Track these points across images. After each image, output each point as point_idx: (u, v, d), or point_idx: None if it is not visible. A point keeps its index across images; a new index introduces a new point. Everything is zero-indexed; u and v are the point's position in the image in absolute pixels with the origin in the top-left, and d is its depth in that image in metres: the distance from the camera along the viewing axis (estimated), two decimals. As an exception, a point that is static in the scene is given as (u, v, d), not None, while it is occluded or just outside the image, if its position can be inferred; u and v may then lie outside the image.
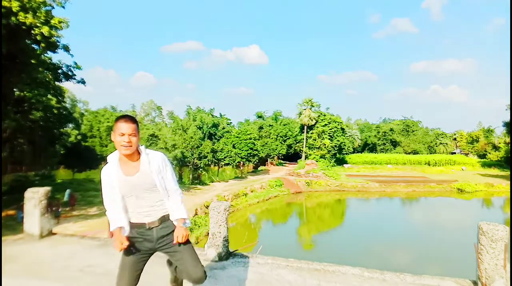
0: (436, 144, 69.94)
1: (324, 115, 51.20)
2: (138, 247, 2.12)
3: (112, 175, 2.07)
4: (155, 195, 2.14)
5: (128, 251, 2.11)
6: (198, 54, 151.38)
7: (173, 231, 2.17)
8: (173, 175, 2.23)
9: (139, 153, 2.12)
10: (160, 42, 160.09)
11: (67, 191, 19.08)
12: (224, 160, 36.09)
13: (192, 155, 30.71)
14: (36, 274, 3.53)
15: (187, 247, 2.18)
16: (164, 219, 2.17)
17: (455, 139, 74.32)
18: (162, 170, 2.15)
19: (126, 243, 2.03)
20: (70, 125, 39.51)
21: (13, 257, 4.02)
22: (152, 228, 2.12)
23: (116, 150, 2.11)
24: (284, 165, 55.89)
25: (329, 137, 49.44)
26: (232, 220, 21.29)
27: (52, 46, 15.41)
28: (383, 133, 71.55)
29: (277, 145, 52.99)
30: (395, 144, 69.96)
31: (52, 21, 13.84)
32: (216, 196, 23.56)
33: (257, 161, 39.82)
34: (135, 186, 2.07)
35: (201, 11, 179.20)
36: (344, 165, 52.42)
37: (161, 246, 2.15)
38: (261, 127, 57.81)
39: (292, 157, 59.00)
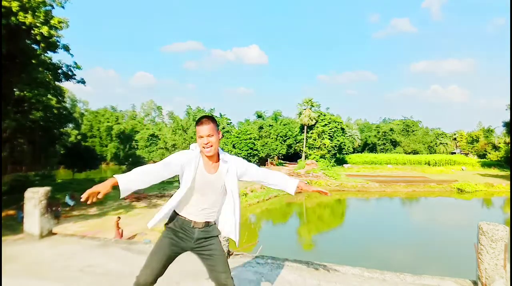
0: (436, 143, 69.99)
1: (324, 115, 51.22)
2: (176, 240, 2.14)
3: (191, 162, 2.06)
4: (219, 199, 2.19)
5: (165, 241, 2.12)
6: (198, 54, 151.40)
7: (213, 236, 2.20)
8: (253, 165, 2.31)
9: (218, 155, 2.17)
10: (160, 42, 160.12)
11: (67, 196, 19.09)
12: (224, 160, 36.07)
13: (192, 155, 30.62)
14: (36, 274, 3.53)
15: (222, 255, 2.21)
16: (209, 224, 2.21)
17: (455, 139, 74.37)
18: (242, 171, 2.23)
19: (101, 196, 1.77)
20: (70, 125, 39.55)
21: (13, 257, 4.02)
22: (195, 228, 2.15)
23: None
24: (284, 165, 55.90)
25: (329, 137, 49.46)
26: (232, 220, 21.27)
27: (52, 46, 15.42)
28: (383, 133, 71.59)
29: (277, 145, 53.01)
30: (395, 144, 70.00)
31: (52, 21, 13.86)
32: (216, 196, 23.55)
33: (257, 161, 39.83)
34: (209, 184, 2.12)
35: (201, 11, 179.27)
36: (343, 165, 52.37)
37: (198, 247, 2.18)
38: (261, 127, 57.83)
39: (292, 157, 59.02)
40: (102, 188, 1.77)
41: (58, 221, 15.46)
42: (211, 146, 2.06)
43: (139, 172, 1.91)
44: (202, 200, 2.14)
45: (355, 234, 19.91)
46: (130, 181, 1.86)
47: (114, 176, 1.84)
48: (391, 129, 71.59)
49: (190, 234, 2.15)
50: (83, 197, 1.75)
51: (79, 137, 56.99)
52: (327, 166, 42.84)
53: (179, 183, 2.13)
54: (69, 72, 19.13)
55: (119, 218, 14.29)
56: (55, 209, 16.40)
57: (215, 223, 2.27)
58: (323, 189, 2.40)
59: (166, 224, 2.17)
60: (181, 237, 2.14)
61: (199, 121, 2.09)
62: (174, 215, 2.16)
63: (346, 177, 39.61)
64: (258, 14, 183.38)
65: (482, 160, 57.32)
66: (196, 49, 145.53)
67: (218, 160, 2.17)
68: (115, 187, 1.84)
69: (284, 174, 2.37)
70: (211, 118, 2.11)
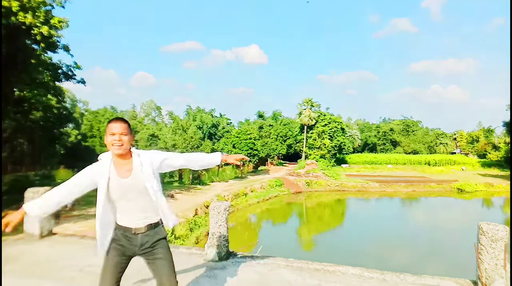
0: (436, 143, 69.97)
1: (324, 115, 51.21)
2: (121, 249, 2.13)
3: (101, 173, 2.04)
4: (146, 199, 2.13)
5: (111, 254, 2.12)
6: (198, 54, 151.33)
7: (159, 239, 2.18)
8: (174, 153, 2.30)
9: (131, 155, 2.13)
10: (160, 42, 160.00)
11: None
12: (224, 160, 36.03)
13: (192, 155, 30.64)
14: (36, 274, 3.53)
15: (167, 261, 2.17)
16: (151, 226, 2.17)
17: (455, 139, 74.33)
18: (159, 162, 2.19)
19: (10, 227, 1.97)
20: (70, 125, 39.53)
21: (13, 257, 4.02)
22: (138, 233, 2.12)
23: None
24: (284, 165, 55.90)
25: (329, 137, 49.45)
26: (232, 220, 21.28)
27: (52, 46, 15.41)
28: (383, 133, 71.58)
29: (277, 145, 53.00)
30: (395, 144, 69.99)
31: (52, 21, 13.85)
32: (216, 195, 23.55)
33: (257, 160, 39.83)
34: (128, 189, 2.07)
35: (200, 11, 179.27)
36: (341, 165, 52.23)
37: (143, 253, 2.16)
38: (261, 127, 57.81)
39: (292, 157, 59.02)
40: (12, 218, 1.97)
41: (59, 221, 15.44)
42: (122, 145, 2.02)
43: (47, 196, 2.04)
44: (131, 206, 2.11)
45: (355, 234, 19.90)
46: (38, 207, 2.02)
47: (23, 206, 2.03)
48: (391, 129, 71.57)
49: (133, 241, 2.12)
50: (3, 228, 1.95)
51: (79, 137, 56.97)
52: (327, 166, 42.83)
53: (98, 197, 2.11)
54: (69, 72, 19.11)
55: None
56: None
57: (161, 223, 2.22)
58: (242, 155, 2.45)
59: (111, 237, 2.14)
60: (125, 246, 2.13)
61: (113, 120, 2.09)
62: (116, 226, 2.15)
63: (346, 177, 39.60)
64: (257, 14, 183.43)
65: (482, 160, 57.30)
66: (196, 49, 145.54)
67: (131, 160, 2.12)
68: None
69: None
70: (126, 120, 2.13)
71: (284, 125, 58.65)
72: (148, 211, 2.16)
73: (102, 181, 2.04)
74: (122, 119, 2.11)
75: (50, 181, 27.35)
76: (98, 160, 2.14)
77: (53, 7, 14.74)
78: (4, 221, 1.96)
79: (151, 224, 2.16)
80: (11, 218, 1.97)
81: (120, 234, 2.13)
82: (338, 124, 50.66)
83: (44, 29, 13.18)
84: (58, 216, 16.66)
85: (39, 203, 2.03)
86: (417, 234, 20.03)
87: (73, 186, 2.07)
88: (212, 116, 58.03)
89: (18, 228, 5.53)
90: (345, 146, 52.85)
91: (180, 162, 2.27)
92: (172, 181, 30.26)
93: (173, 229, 13.97)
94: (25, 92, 16.33)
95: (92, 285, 3.27)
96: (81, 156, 32.37)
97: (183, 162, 2.28)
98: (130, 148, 2.13)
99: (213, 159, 2.34)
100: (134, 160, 2.11)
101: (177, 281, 2.17)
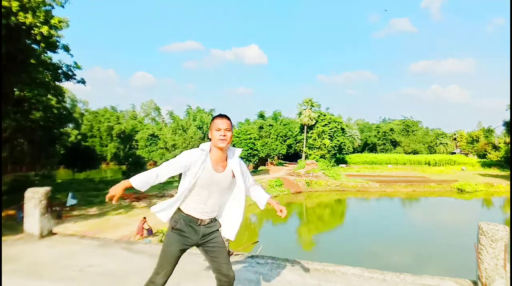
0: (436, 143, 69.98)
1: (324, 115, 51.21)
2: (184, 240, 2.21)
3: (199, 160, 2.15)
4: (224, 197, 2.31)
5: (174, 245, 2.19)
6: (198, 54, 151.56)
7: (217, 230, 2.32)
8: (250, 174, 2.48)
9: (227, 153, 2.29)
10: (159, 42, 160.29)
11: (70, 195, 19.10)
12: (224, 160, 36.05)
13: (192, 155, 30.60)
14: (36, 274, 3.53)
15: (224, 247, 2.33)
16: (213, 220, 2.32)
17: (455, 139, 74.36)
18: (244, 171, 2.35)
19: (116, 200, 2.09)
20: (70, 125, 39.53)
21: (13, 257, 4.02)
22: (201, 225, 2.24)
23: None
24: (284, 165, 55.89)
25: (329, 137, 49.45)
26: (232, 220, 21.28)
27: (52, 46, 15.42)
28: (383, 133, 71.60)
29: (277, 145, 53.00)
30: (395, 144, 70.01)
31: (52, 21, 13.86)
32: (216, 196, 23.54)
33: (257, 160, 39.83)
34: (217, 183, 2.21)
35: (200, 10, 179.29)
36: (339, 165, 52.05)
37: (202, 242, 2.27)
38: (261, 127, 57.81)
39: (292, 157, 59.02)
40: (116, 191, 2.10)
41: (60, 221, 15.49)
42: (226, 140, 2.17)
43: (147, 172, 2.18)
44: (210, 198, 2.23)
45: (355, 234, 19.90)
46: (140, 180, 2.15)
47: (128, 180, 2.16)
48: (391, 129, 71.58)
49: (196, 231, 2.23)
50: (107, 200, 2.12)
51: (79, 137, 56.99)
52: (327, 166, 42.84)
53: (182, 181, 2.22)
54: (69, 72, 19.13)
55: (145, 218, 14.75)
56: (59, 209, 16.44)
57: (216, 218, 2.37)
58: (283, 209, 2.50)
59: (172, 227, 2.22)
60: (187, 236, 2.22)
61: (218, 116, 2.24)
62: (179, 214, 2.22)
63: (346, 177, 39.60)
64: (257, 13, 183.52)
65: (482, 160, 57.32)
66: (196, 49, 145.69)
67: (226, 158, 2.27)
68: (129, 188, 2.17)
69: (262, 189, 2.52)
70: (229, 118, 2.28)
71: (284, 125, 58.65)
72: (219, 208, 2.33)
73: (196, 168, 2.15)
74: (226, 116, 2.25)
75: (50, 181, 27.38)
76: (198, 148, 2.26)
77: (53, 7, 14.75)
78: (108, 194, 2.08)
79: (213, 218, 2.32)
80: (115, 191, 2.09)
81: (185, 223, 2.21)
82: (338, 124, 50.66)
83: (44, 29, 13.19)
84: (59, 215, 16.69)
85: (140, 176, 2.15)
86: (417, 234, 20.03)
87: (173, 165, 2.17)
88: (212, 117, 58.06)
89: (18, 228, 5.53)
90: (345, 146, 52.86)
91: (250, 183, 2.45)
92: (172, 181, 30.26)
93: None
94: (25, 92, 16.32)
95: (92, 285, 3.27)
96: (81, 156, 32.36)
97: (250, 186, 2.46)
98: (229, 148, 2.29)
99: (262, 201, 2.54)
100: (230, 159, 2.28)
101: (233, 270, 2.32)
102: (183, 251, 2.24)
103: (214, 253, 2.28)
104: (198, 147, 2.25)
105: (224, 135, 2.17)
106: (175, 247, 2.19)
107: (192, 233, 2.22)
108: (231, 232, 2.36)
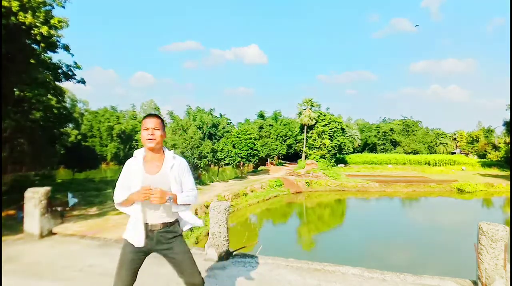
0: (436, 143, 69.97)
1: (324, 115, 51.19)
2: (137, 247, 2.15)
3: (134, 169, 2.13)
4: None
5: (126, 249, 2.15)
6: (197, 54, 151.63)
7: (175, 237, 2.21)
8: (192, 181, 2.30)
9: (164, 154, 2.21)
10: (159, 42, 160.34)
11: (69, 195, 19.12)
12: (224, 160, 36.11)
13: (192, 155, 30.69)
14: (36, 274, 3.53)
15: (185, 254, 2.22)
16: (168, 225, 2.19)
17: (455, 139, 74.34)
18: (181, 175, 2.22)
19: (149, 187, 2.02)
20: (70, 125, 39.53)
21: (13, 257, 4.02)
22: (154, 230, 2.15)
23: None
24: (284, 165, 55.88)
25: (329, 137, 49.44)
26: (232, 220, 21.29)
27: (52, 46, 15.42)
28: (383, 133, 71.57)
29: (277, 145, 52.98)
30: (395, 144, 69.99)
31: (52, 21, 13.84)
32: (216, 196, 23.55)
33: (257, 160, 39.81)
34: (153, 185, 2.09)
35: (199, 10, 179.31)
36: (338, 164, 51.89)
37: (160, 249, 2.18)
38: (261, 127, 57.80)
39: (292, 157, 59.01)
40: (140, 193, 2.04)
41: (63, 220, 15.49)
42: (154, 139, 2.11)
43: (121, 194, 2.16)
44: (151, 203, 2.09)
45: (355, 234, 19.90)
46: (125, 194, 2.14)
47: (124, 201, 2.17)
48: (391, 129, 71.56)
49: (149, 238, 2.15)
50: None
51: (79, 137, 56.95)
52: (327, 166, 42.82)
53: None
54: (69, 72, 19.13)
55: None
56: (61, 209, 16.43)
57: (177, 222, 2.25)
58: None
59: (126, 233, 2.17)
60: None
61: (147, 116, 2.17)
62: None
63: (346, 177, 39.60)
64: (257, 13, 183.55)
65: (482, 160, 57.28)
66: (195, 49, 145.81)
67: (163, 159, 2.18)
68: None
69: (187, 196, 2.23)
70: (159, 116, 2.21)
71: (284, 125, 58.64)
72: (167, 211, 2.18)
73: (134, 175, 2.11)
74: (155, 115, 2.19)
75: (50, 181, 27.36)
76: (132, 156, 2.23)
77: (53, 7, 14.73)
78: (141, 194, 2.01)
79: (167, 223, 2.19)
80: (141, 191, 2.02)
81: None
82: (338, 125, 50.64)
83: (44, 29, 13.18)
84: (62, 215, 16.66)
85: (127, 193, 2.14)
86: (417, 234, 20.03)
87: (123, 183, 2.16)
88: (212, 116, 58.02)
89: (18, 228, 5.53)
90: (345, 146, 52.84)
91: (185, 188, 2.25)
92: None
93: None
94: (25, 92, 16.32)
95: (92, 285, 3.27)
96: (81, 156, 32.34)
97: (183, 191, 2.25)
98: (163, 146, 2.22)
99: (179, 195, 2.21)
100: (166, 159, 2.18)
101: (201, 277, 2.22)
102: (139, 259, 2.16)
103: (175, 260, 2.18)
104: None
105: (152, 135, 2.10)
106: (129, 256, 2.13)
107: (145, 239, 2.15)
108: (192, 220, 2.27)
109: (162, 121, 2.20)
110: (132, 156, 2.23)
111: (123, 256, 2.16)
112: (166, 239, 2.17)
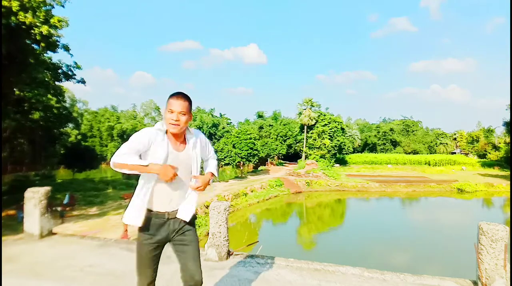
0: (436, 143, 69.99)
1: (324, 115, 51.21)
2: (156, 241, 2.03)
3: (158, 142, 1.90)
4: (187, 180, 2.05)
5: (145, 248, 2.03)
6: (197, 54, 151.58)
7: (188, 223, 2.08)
8: (212, 147, 2.26)
9: (185, 135, 2.05)
10: (158, 42, 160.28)
11: (67, 195, 19.13)
12: (224, 160, 36.13)
13: (192, 154, 30.67)
14: (36, 274, 3.53)
15: (194, 244, 2.10)
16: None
17: (455, 139, 74.32)
18: (204, 148, 2.16)
19: (176, 169, 1.86)
20: (70, 125, 39.53)
21: (13, 257, 4.02)
22: (170, 219, 2.01)
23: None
24: (284, 165, 55.90)
25: (329, 137, 49.45)
26: (232, 220, 21.29)
27: (52, 45, 15.41)
28: (383, 133, 71.60)
29: (277, 145, 53.01)
30: (395, 143, 70.01)
31: (52, 21, 13.84)
32: (216, 195, 23.56)
33: (257, 160, 39.82)
34: (180, 164, 1.95)
35: (198, 10, 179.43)
36: (336, 164, 51.71)
37: (174, 238, 2.06)
38: (261, 127, 57.82)
39: (292, 157, 59.03)
40: (166, 169, 1.85)
41: (63, 221, 15.49)
42: (178, 125, 1.89)
43: (130, 159, 1.86)
44: (173, 185, 1.95)
45: (355, 234, 19.90)
46: (141, 162, 1.86)
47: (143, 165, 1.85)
48: (391, 129, 71.59)
49: (166, 228, 2.02)
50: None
51: (79, 137, 56.97)
52: (327, 166, 42.83)
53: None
54: (69, 72, 19.14)
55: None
56: (61, 209, 16.43)
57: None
58: (199, 185, 2.05)
59: (140, 227, 2.01)
60: (157, 234, 2.01)
61: (174, 95, 1.92)
62: (147, 213, 1.98)
63: (346, 177, 39.61)
64: (256, 13, 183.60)
65: (482, 160, 57.30)
66: (194, 48, 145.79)
67: (185, 138, 2.04)
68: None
69: (215, 165, 2.25)
70: (188, 97, 1.96)
71: (284, 125, 58.66)
72: (185, 197, 2.06)
73: (160, 150, 1.90)
74: (183, 97, 1.92)
75: (50, 181, 27.38)
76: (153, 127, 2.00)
77: (53, 7, 14.74)
78: (167, 172, 1.82)
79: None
80: (167, 167, 1.84)
81: (152, 222, 2.00)
82: (338, 124, 50.65)
83: (44, 29, 13.17)
84: (62, 215, 16.63)
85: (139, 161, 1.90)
86: (417, 234, 20.03)
87: (133, 147, 1.87)
88: (212, 116, 58.06)
89: (18, 228, 5.53)
90: (345, 145, 52.86)
91: (209, 155, 2.23)
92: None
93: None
94: (25, 92, 16.34)
95: (92, 285, 3.27)
96: (81, 156, 32.34)
97: (208, 158, 2.25)
98: (185, 130, 2.04)
99: (210, 168, 2.21)
100: (189, 136, 2.05)
101: (201, 270, 2.11)
102: (158, 251, 2.05)
103: (184, 250, 2.04)
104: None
105: (176, 120, 1.88)
106: (148, 251, 2.00)
107: (162, 230, 2.00)
108: (186, 213, 2.05)
109: (190, 103, 1.95)
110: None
111: (143, 254, 2.02)
112: (181, 227, 2.06)
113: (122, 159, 1.83)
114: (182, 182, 2.00)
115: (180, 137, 2.01)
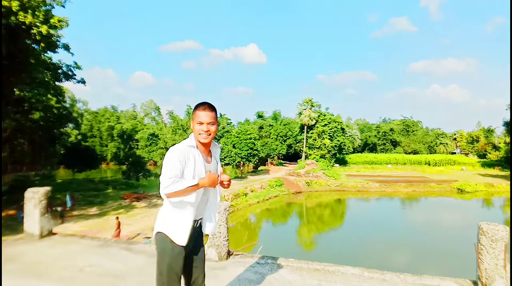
0: (436, 143, 69.98)
1: (324, 115, 51.21)
2: (183, 249, 1.99)
3: (194, 158, 1.93)
4: (214, 191, 2.10)
5: (177, 254, 1.96)
6: (196, 54, 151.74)
7: (200, 233, 2.12)
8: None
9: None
10: (158, 42, 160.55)
11: (68, 196, 19.15)
12: (224, 160, 36.12)
13: (192, 154, 30.63)
14: (36, 274, 3.53)
15: (203, 256, 2.16)
16: (201, 219, 2.11)
17: (455, 139, 74.32)
18: (218, 158, 2.19)
19: (217, 175, 1.94)
20: (70, 125, 39.54)
21: (13, 257, 4.02)
22: (196, 226, 2.04)
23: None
24: (284, 165, 55.90)
25: (329, 137, 49.45)
26: (232, 220, 21.29)
27: (52, 45, 15.42)
28: (383, 133, 71.60)
29: (277, 145, 53.00)
30: (395, 144, 70.01)
31: (52, 21, 13.84)
32: (216, 196, 23.53)
33: (257, 160, 39.82)
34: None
35: (198, 10, 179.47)
36: (336, 164, 51.68)
37: (192, 245, 2.06)
38: (261, 127, 57.81)
39: (292, 157, 59.03)
40: (211, 178, 1.92)
41: (63, 221, 15.49)
42: (210, 135, 1.95)
43: (179, 181, 1.88)
44: (205, 194, 2.03)
45: (355, 234, 19.90)
46: (190, 181, 1.90)
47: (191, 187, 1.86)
48: (391, 129, 71.59)
49: (194, 233, 2.02)
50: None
51: (79, 137, 56.96)
52: (327, 166, 42.82)
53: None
54: (69, 72, 19.14)
55: (118, 218, 14.22)
56: (61, 209, 16.44)
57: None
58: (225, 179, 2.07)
59: (161, 231, 1.96)
60: (189, 244, 2.01)
61: (201, 106, 1.95)
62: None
63: (346, 177, 39.61)
64: (256, 13, 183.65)
65: (482, 160, 57.31)
66: (194, 48, 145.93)
67: (209, 148, 2.09)
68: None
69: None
70: (214, 108, 2.00)
71: (284, 125, 58.64)
72: (210, 205, 2.11)
73: (198, 165, 1.93)
74: (210, 107, 1.96)
75: (50, 181, 27.38)
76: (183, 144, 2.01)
77: (53, 7, 14.74)
78: (213, 180, 1.90)
79: (201, 217, 2.10)
80: (212, 176, 1.91)
81: (184, 228, 2.00)
82: (338, 124, 50.65)
83: (44, 29, 13.17)
84: (62, 215, 16.64)
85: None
86: (417, 234, 20.03)
87: (176, 169, 1.87)
88: (212, 116, 58.01)
89: (18, 228, 5.53)
90: (345, 146, 52.86)
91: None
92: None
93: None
94: (25, 92, 16.32)
95: (92, 285, 3.27)
96: (81, 156, 32.34)
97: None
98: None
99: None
100: (213, 148, 2.12)
101: (205, 274, 2.16)
102: (183, 258, 1.99)
103: (194, 256, 2.06)
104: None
105: (207, 131, 1.93)
106: (180, 261, 1.96)
107: (191, 237, 2.00)
108: (210, 226, 2.11)
109: (216, 112, 2.01)
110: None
111: (177, 268, 1.96)
112: (199, 234, 2.09)
113: (171, 189, 1.82)
114: (212, 191, 2.07)
115: (207, 149, 2.07)
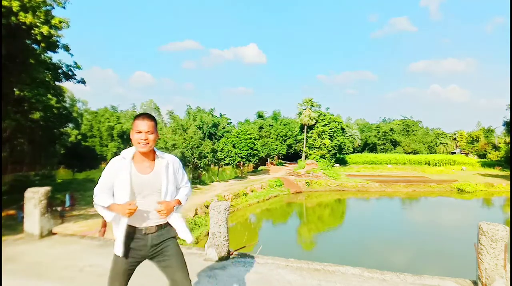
0: (436, 143, 69.97)
1: (324, 115, 51.19)
2: (130, 253, 2.04)
3: (122, 169, 2.01)
4: (160, 199, 2.10)
5: (120, 259, 2.02)
6: (196, 54, 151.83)
7: (168, 238, 2.13)
8: (186, 175, 2.31)
9: (155, 153, 2.12)
10: (158, 42, 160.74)
11: (67, 196, 19.14)
12: (224, 160, 36.11)
13: (192, 154, 30.68)
14: (36, 274, 3.53)
15: (178, 256, 2.13)
16: (161, 226, 2.11)
17: (455, 139, 74.29)
18: (176, 172, 2.19)
19: (134, 204, 1.93)
20: (70, 125, 39.55)
21: (13, 257, 4.02)
22: (148, 234, 2.06)
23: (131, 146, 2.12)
24: (284, 164, 55.88)
25: (329, 137, 49.44)
26: (232, 220, 21.29)
27: (52, 46, 15.42)
28: (383, 133, 71.58)
29: (277, 145, 52.99)
30: (395, 143, 69.99)
31: (53, 21, 13.84)
32: (216, 195, 23.56)
33: (257, 160, 39.82)
34: (146, 185, 2.04)
35: (198, 9, 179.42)
36: (336, 164, 51.55)
37: (154, 254, 2.09)
38: (261, 127, 57.81)
39: (292, 156, 59.01)
40: (123, 208, 1.95)
41: (63, 221, 15.48)
42: (148, 143, 2.00)
43: (101, 196, 2.04)
44: (146, 203, 2.04)
45: (355, 234, 19.90)
46: (106, 201, 2.03)
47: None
48: (391, 129, 71.57)
49: (143, 242, 2.05)
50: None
51: (79, 137, 56.97)
52: (327, 166, 42.82)
53: (115, 192, 2.06)
54: (69, 72, 19.14)
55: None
56: (61, 209, 16.43)
57: (168, 224, 2.15)
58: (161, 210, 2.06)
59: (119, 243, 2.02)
60: (135, 248, 2.05)
61: (140, 116, 2.03)
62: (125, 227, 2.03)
63: (346, 177, 39.60)
64: (255, 13, 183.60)
65: (482, 159, 57.28)
66: (194, 48, 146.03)
67: (154, 159, 2.11)
68: None
69: (186, 194, 2.27)
70: (153, 117, 2.08)
71: (284, 125, 58.63)
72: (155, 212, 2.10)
73: (123, 176, 1.99)
74: (148, 117, 2.05)
75: (50, 181, 27.34)
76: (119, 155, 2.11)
77: (53, 7, 14.73)
78: (125, 210, 1.91)
79: (161, 224, 2.11)
80: (124, 206, 1.92)
81: (130, 235, 2.04)
82: (338, 124, 50.64)
83: (44, 29, 13.17)
84: (62, 215, 16.61)
85: (108, 198, 2.04)
86: (417, 234, 20.03)
87: (105, 185, 2.04)
88: (212, 116, 58.03)
89: (18, 228, 5.53)
90: (345, 145, 52.84)
91: (181, 184, 2.26)
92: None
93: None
94: (25, 92, 16.32)
95: (92, 285, 3.27)
96: (81, 156, 32.34)
97: (180, 187, 2.27)
98: (154, 149, 2.12)
99: (179, 196, 2.22)
100: (158, 159, 2.12)
101: (190, 280, 2.13)
102: (132, 266, 2.06)
103: (166, 263, 2.09)
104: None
105: (145, 140, 1.98)
106: (121, 264, 2.01)
107: (139, 245, 2.04)
108: (182, 233, 2.14)
109: (155, 122, 2.07)
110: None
111: (116, 265, 2.04)
112: (160, 242, 2.09)
113: (95, 201, 2.04)
114: (154, 200, 2.06)
115: (148, 159, 2.08)
